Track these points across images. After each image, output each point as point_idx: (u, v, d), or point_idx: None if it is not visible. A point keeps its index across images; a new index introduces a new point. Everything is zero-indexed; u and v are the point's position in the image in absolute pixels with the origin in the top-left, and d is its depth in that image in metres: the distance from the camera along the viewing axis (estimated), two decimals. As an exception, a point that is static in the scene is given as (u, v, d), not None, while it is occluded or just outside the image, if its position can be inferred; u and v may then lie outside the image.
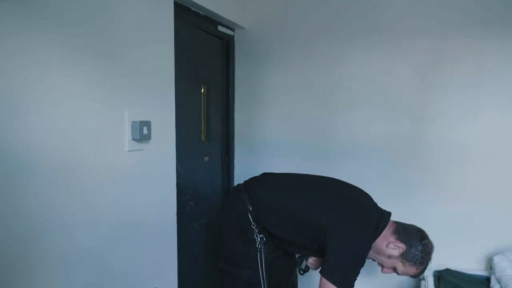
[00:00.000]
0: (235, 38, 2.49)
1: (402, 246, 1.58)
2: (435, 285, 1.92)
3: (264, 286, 1.71)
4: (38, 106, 1.14)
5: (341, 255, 1.51)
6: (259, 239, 1.67)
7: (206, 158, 2.26)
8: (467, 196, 2.11)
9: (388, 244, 1.59)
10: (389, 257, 1.61)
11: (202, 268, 2.30)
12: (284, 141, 2.43)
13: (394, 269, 1.65)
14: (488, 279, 1.95)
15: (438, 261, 2.12)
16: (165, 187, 1.75)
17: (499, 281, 1.85)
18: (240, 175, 2.46)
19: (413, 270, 1.62)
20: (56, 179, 1.21)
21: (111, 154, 1.42)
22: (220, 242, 1.88)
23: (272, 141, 2.46)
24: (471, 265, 2.13)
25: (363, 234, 1.55)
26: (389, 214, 1.67)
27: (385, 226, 1.61)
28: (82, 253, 1.32)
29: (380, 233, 1.59)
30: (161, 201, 1.72)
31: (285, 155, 2.44)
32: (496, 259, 1.96)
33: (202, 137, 2.23)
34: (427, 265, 1.64)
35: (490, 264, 2.02)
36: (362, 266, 1.56)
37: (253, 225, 1.67)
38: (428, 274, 2.03)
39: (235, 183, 2.57)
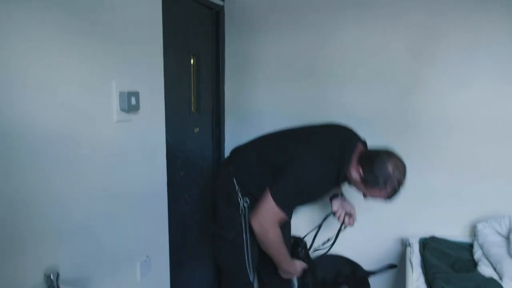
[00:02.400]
0: (225, 8, 2.45)
1: (359, 170, 1.61)
2: (420, 251, 1.97)
3: (246, 247, 1.78)
4: (23, 79, 1.13)
5: (292, 178, 1.60)
6: (243, 202, 1.74)
7: (196, 129, 2.26)
8: (453, 165, 2.15)
9: (352, 171, 1.63)
10: (355, 182, 1.66)
11: (194, 237, 2.34)
12: (275, 113, 2.43)
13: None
14: (471, 246, 2.01)
15: (424, 229, 2.19)
16: (155, 158, 1.76)
17: (481, 247, 1.91)
18: (231, 146, 2.45)
19: (376, 192, 1.63)
20: (45, 151, 1.21)
21: (99, 125, 1.41)
22: (214, 209, 1.99)
23: (262, 113, 2.46)
24: (456, 233, 2.19)
25: (320, 165, 1.62)
26: (356, 142, 1.72)
27: (350, 155, 1.63)
28: (72, 224, 1.34)
29: (349, 162, 1.63)
30: (151, 172, 1.74)
31: (275, 127, 2.43)
32: (480, 227, 2.02)
33: (192, 108, 2.22)
34: (396, 186, 1.60)
35: (474, 232, 2.08)
36: (314, 198, 1.69)
37: (237, 189, 1.76)
38: (414, 241, 2.09)
39: (226, 154, 2.59)
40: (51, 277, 1.19)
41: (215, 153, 2.50)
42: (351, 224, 1.90)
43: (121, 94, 1.47)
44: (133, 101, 1.50)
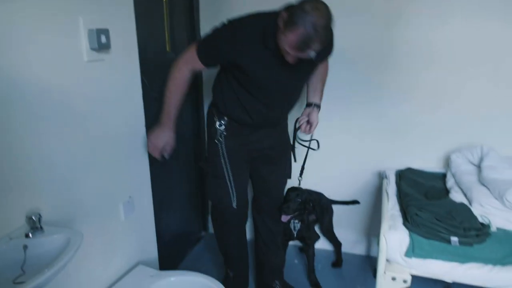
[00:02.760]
0: None
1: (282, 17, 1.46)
2: (396, 182, 2.05)
3: (229, 179, 1.86)
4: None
5: (217, 29, 1.64)
6: (219, 127, 1.80)
7: (172, 70, 2.20)
8: (430, 99, 2.18)
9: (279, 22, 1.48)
10: (280, 39, 1.49)
11: (177, 177, 2.37)
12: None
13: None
14: (445, 175, 2.09)
15: (401, 162, 2.26)
16: (131, 99, 1.72)
17: (454, 176, 2.00)
18: (209, 85, 2.43)
19: (292, 37, 1.41)
20: (15, 98, 1.17)
21: (69, 65, 1.36)
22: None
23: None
24: (431, 164, 2.27)
25: (246, 18, 1.60)
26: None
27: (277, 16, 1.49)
28: (52, 168, 1.33)
29: (276, 15, 1.50)
30: (128, 114, 1.71)
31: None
32: (453, 157, 2.09)
33: (167, 48, 2.15)
34: (310, 29, 1.38)
35: (448, 163, 2.16)
36: (241, 61, 1.59)
37: (215, 117, 1.82)
38: (391, 173, 2.16)
39: (204, 95, 2.56)
40: (33, 218, 1.20)
41: (193, 92, 2.47)
42: (306, 131, 1.86)
43: (90, 31, 1.40)
44: (103, 39, 1.44)
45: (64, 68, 1.34)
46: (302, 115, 1.88)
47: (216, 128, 1.82)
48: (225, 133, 1.81)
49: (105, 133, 1.57)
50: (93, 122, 1.50)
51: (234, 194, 1.89)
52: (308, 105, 1.88)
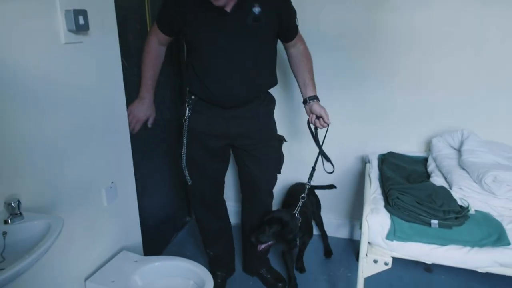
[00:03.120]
0: None
1: None
2: (378, 166, 2.08)
3: (185, 158, 1.87)
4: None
5: None
6: (186, 110, 1.81)
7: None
8: (411, 83, 2.20)
9: None
10: None
11: (160, 162, 2.35)
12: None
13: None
14: (426, 160, 2.13)
15: (383, 147, 2.29)
16: (112, 82, 1.68)
17: (435, 160, 2.03)
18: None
19: None
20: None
21: (46, 48, 1.32)
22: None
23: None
24: (413, 148, 2.30)
25: None
26: None
27: None
28: (31, 154, 1.30)
29: None
30: (109, 98, 1.67)
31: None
32: (434, 141, 2.13)
33: (148, 29, 2.10)
34: None
35: (429, 146, 2.19)
36: (190, 23, 1.66)
37: (186, 97, 1.84)
38: (373, 158, 2.18)
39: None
40: (12, 204, 1.18)
41: (177, 76, 2.43)
42: (322, 125, 1.82)
43: (67, 12, 1.35)
44: (80, 20, 1.39)
45: (41, 50, 1.30)
46: (308, 115, 1.85)
47: (184, 107, 1.82)
48: (190, 112, 1.81)
49: (85, 117, 1.53)
50: (73, 106, 1.46)
51: (186, 171, 1.89)
52: (304, 102, 1.85)
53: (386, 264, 1.63)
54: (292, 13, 1.76)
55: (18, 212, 1.19)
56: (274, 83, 1.88)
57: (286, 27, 1.76)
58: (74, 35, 1.41)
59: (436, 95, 2.17)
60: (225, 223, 2.19)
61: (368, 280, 1.69)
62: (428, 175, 1.95)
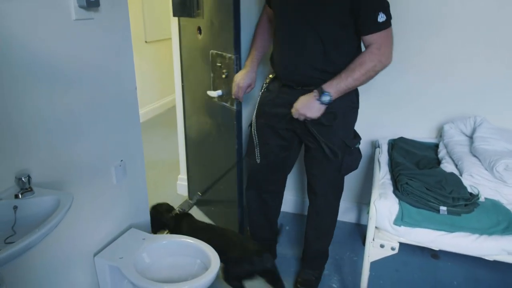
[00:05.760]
0: None
1: None
2: (388, 152, 2.06)
3: (255, 135, 1.93)
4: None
5: None
6: (263, 88, 1.91)
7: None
8: (425, 68, 2.15)
9: None
10: None
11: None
12: None
13: None
14: (437, 146, 2.10)
15: (394, 132, 2.26)
16: (122, 59, 1.67)
17: (446, 146, 2.00)
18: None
19: None
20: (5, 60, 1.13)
21: (56, 24, 1.31)
22: None
23: None
24: (424, 134, 2.27)
25: None
26: None
27: None
28: (41, 131, 1.31)
29: None
30: (119, 75, 1.66)
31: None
32: (446, 127, 2.09)
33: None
34: None
35: (440, 133, 2.16)
36: None
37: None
38: (383, 142, 2.16)
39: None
40: (23, 179, 1.19)
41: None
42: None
43: (77, -12, 1.34)
44: (91, -4, 1.38)
45: (51, 27, 1.29)
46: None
47: (262, 85, 1.91)
48: (264, 89, 1.89)
49: (95, 94, 1.53)
50: (83, 83, 1.46)
51: (258, 150, 1.93)
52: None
53: (393, 249, 1.63)
54: (368, 1, 1.50)
55: (29, 187, 1.21)
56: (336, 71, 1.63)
57: (357, 13, 1.52)
58: (84, 11, 1.40)
59: (450, 81, 2.13)
60: (270, 204, 2.11)
61: (373, 264, 1.69)
62: (438, 162, 1.93)
